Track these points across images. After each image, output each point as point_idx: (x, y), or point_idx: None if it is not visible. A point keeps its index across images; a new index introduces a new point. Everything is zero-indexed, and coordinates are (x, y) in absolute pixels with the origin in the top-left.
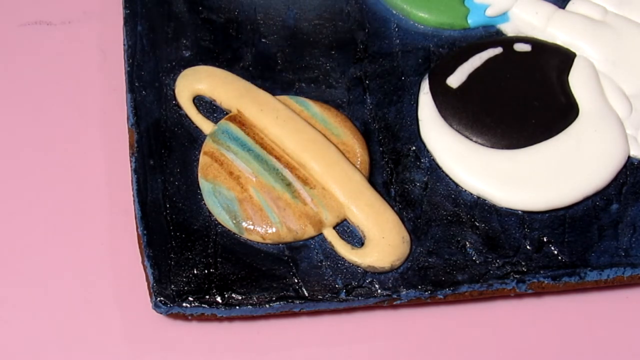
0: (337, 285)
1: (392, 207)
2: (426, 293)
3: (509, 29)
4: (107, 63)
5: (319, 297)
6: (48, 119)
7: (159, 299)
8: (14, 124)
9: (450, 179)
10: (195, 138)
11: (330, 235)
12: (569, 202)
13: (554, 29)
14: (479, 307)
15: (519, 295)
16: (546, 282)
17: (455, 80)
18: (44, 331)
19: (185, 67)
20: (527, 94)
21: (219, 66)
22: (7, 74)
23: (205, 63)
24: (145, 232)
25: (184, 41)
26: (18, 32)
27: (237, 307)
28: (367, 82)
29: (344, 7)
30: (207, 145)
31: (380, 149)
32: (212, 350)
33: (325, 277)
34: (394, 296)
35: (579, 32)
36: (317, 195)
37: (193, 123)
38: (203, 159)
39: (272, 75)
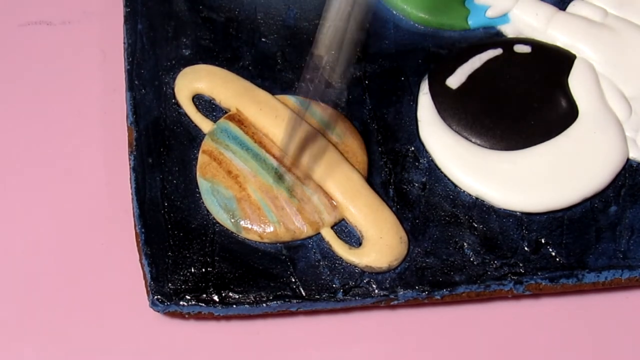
0: (334, 285)
1: (390, 207)
2: (423, 293)
3: (509, 31)
4: (107, 63)
5: (316, 296)
6: (48, 118)
7: (156, 297)
8: (14, 123)
9: (449, 179)
10: (194, 137)
11: (328, 235)
12: (568, 203)
13: (554, 30)
14: (476, 308)
15: (516, 297)
16: (544, 283)
17: (454, 81)
18: (42, 329)
19: (185, 65)
20: (526, 96)
21: (218, 65)
22: (7, 74)
23: (205, 62)
24: (143, 230)
25: (184, 40)
26: (18, 32)
27: (234, 306)
28: (366, 82)
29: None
30: (206, 144)
31: (379, 149)
32: (208, 349)
33: (323, 277)
34: (391, 296)
35: (579, 34)
36: (315, 195)
37: (192, 122)
38: (202, 158)
39: (271, 74)
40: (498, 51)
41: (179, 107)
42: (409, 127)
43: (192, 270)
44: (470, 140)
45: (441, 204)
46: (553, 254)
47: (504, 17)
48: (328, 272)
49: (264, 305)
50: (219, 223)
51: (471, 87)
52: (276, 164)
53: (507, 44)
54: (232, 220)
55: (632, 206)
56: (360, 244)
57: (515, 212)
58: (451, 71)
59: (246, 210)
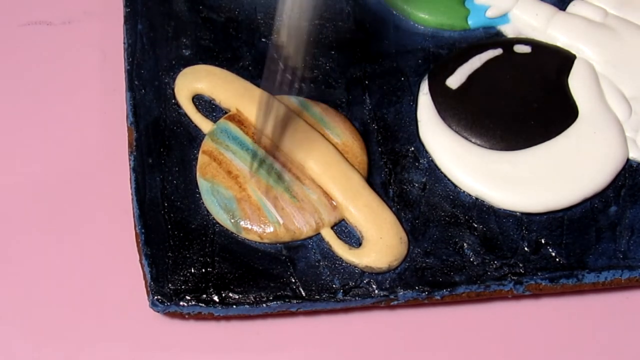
0: (334, 286)
1: (390, 207)
2: (423, 294)
3: (509, 31)
4: (107, 63)
5: (316, 297)
6: (48, 119)
7: (156, 297)
8: (13, 123)
9: (449, 179)
10: (194, 137)
11: (328, 235)
12: (568, 204)
13: (554, 30)
14: (476, 308)
15: (516, 297)
16: (544, 283)
17: (454, 81)
18: (42, 329)
19: (185, 66)
20: (526, 96)
21: (218, 65)
22: (7, 74)
23: (205, 62)
24: (143, 230)
25: (184, 40)
26: (18, 32)
27: (234, 306)
28: (366, 82)
29: (344, 7)
30: (206, 144)
31: (379, 149)
32: (209, 349)
33: (323, 277)
34: (391, 297)
35: (579, 34)
36: (315, 195)
37: (192, 122)
38: (202, 158)
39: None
40: (498, 51)
41: (179, 107)
42: (409, 127)
43: (192, 270)
44: (470, 141)
45: (441, 204)
46: (553, 254)
47: (504, 17)
48: (328, 273)
49: (264, 305)
50: (219, 223)
51: (471, 88)
52: (276, 164)
53: (507, 44)
54: (232, 221)
55: (632, 206)
56: (360, 244)
57: (515, 212)
58: (451, 71)
59: (246, 211)
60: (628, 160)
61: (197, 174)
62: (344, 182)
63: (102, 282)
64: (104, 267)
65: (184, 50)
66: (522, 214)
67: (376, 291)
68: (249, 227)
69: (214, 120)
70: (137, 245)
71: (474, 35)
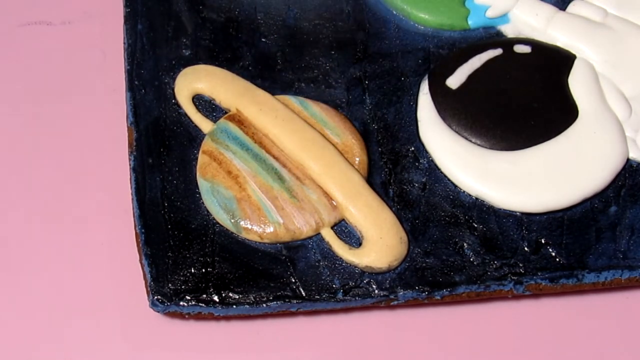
0: (334, 286)
1: (391, 207)
2: (423, 294)
3: (509, 31)
4: (107, 63)
5: (316, 297)
6: (48, 119)
7: (156, 297)
8: (13, 123)
9: (449, 179)
10: (194, 137)
11: (328, 235)
12: (568, 204)
13: (554, 30)
14: (476, 308)
15: (516, 297)
16: (544, 283)
17: (454, 81)
18: (42, 329)
19: (185, 66)
20: (526, 96)
21: (218, 65)
22: (7, 74)
23: (205, 62)
24: (143, 230)
25: (184, 40)
26: (18, 32)
27: (234, 307)
28: (366, 82)
29: (344, 7)
30: (206, 144)
31: (379, 149)
32: (209, 349)
33: (323, 277)
34: (391, 297)
35: (579, 34)
36: (315, 195)
37: (192, 122)
38: (202, 158)
39: (271, 74)
40: (498, 51)
41: (179, 107)
42: (409, 127)
43: (192, 270)
44: (470, 141)
45: (441, 204)
46: (553, 254)
47: (504, 17)
48: (328, 273)
49: (264, 305)
50: (219, 223)
51: (471, 87)
52: (276, 164)
53: (507, 44)
54: (232, 221)
55: (632, 206)
56: (360, 244)
57: (515, 212)
58: (451, 71)
59: (246, 211)
60: (628, 160)
61: (197, 174)
62: (344, 182)
63: (102, 282)
64: (104, 267)
65: (184, 50)
66: (522, 214)
67: (376, 291)
68: (249, 227)
69: (214, 120)
70: (137, 245)
71: (474, 35)
